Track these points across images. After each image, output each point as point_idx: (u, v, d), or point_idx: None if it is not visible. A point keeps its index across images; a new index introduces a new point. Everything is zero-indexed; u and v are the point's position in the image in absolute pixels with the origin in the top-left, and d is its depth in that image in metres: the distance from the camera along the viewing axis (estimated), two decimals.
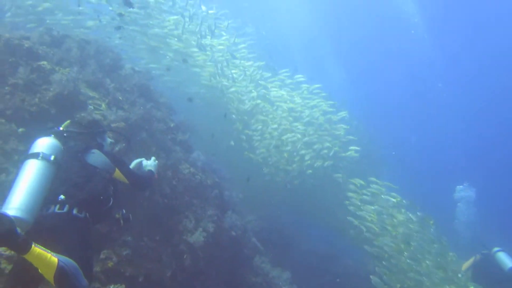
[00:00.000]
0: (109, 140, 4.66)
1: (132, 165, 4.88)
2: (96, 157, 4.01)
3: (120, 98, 8.99)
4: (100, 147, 4.28)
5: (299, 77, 15.80)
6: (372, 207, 12.14)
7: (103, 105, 8.46)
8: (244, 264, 9.84)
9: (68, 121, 4.39)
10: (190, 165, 9.54)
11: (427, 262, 10.57)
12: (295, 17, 40.73)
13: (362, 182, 13.01)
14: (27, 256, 2.89)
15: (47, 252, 2.98)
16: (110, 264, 6.20)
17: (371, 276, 10.42)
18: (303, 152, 14.05)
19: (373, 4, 39.29)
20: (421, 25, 39.49)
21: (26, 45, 7.66)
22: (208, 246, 8.14)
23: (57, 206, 3.53)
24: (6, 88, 7.11)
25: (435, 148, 40.42)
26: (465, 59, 41.41)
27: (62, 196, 3.58)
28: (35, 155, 3.67)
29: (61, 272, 2.96)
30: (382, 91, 42.94)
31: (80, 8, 12.84)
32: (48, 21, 12.07)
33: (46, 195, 3.55)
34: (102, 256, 6.20)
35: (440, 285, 9.98)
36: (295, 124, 14.54)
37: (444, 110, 41.62)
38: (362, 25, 41.53)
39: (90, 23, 12.96)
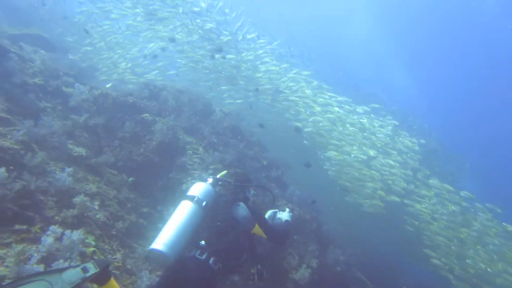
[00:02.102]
0: (252, 191, 4.70)
1: (266, 216, 4.82)
2: (240, 211, 4.10)
3: (215, 140, 9.33)
4: (246, 200, 4.37)
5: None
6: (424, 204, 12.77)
7: (200, 149, 8.83)
8: None
9: (225, 171, 4.56)
10: (287, 200, 9.49)
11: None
12: (360, 34, 40.82)
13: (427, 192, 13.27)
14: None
15: None
16: None
17: (424, 249, 11.66)
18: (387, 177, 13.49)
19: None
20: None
21: (130, 101, 8.35)
22: (314, 283, 7.87)
23: (198, 251, 3.69)
24: (116, 141, 7.75)
25: None
26: None
27: (203, 242, 3.74)
28: (191, 198, 3.88)
29: None
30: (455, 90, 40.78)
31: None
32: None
33: (192, 237, 3.73)
34: None
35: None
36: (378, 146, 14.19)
37: None
38: (429, 26, 40.23)
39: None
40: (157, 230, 6.39)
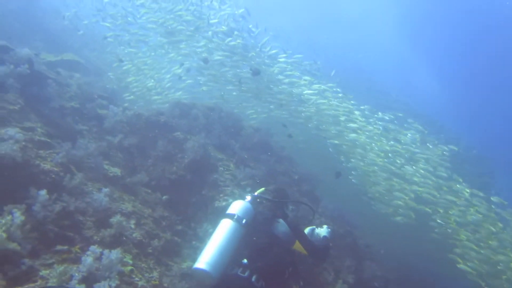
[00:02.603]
0: (291, 207, 4.74)
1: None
2: (280, 227, 4.14)
3: (245, 156, 9.39)
4: (285, 217, 4.42)
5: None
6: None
7: (231, 165, 8.90)
8: None
9: (263, 188, 4.64)
10: (320, 215, 9.39)
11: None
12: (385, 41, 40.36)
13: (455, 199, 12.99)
14: None
15: None
16: None
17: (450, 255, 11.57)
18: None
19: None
20: None
21: (162, 120, 8.54)
22: None
23: (240, 269, 3.71)
24: (149, 161, 7.92)
25: None
26: None
27: (245, 260, 3.77)
28: (231, 216, 3.97)
29: None
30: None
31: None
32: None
33: (233, 255, 3.78)
34: None
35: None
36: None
37: None
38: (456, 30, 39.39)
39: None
40: (192, 248, 6.49)
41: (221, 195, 7.59)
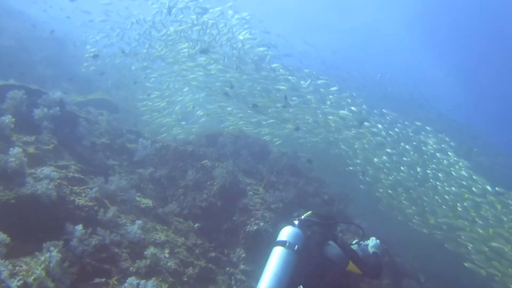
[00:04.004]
0: (339, 228, 4.64)
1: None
2: (332, 250, 4.08)
3: (274, 179, 9.37)
4: (335, 238, 4.31)
5: None
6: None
7: (260, 189, 8.90)
8: None
9: (310, 212, 4.55)
10: (353, 234, 9.21)
11: None
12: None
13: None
14: None
15: None
16: None
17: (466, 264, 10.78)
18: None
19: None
20: None
21: (189, 149, 8.70)
22: None
23: None
24: (180, 190, 8.05)
25: None
26: None
27: (301, 287, 3.72)
28: (283, 243, 3.92)
29: None
30: None
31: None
32: None
33: (290, 282, 3.74)
34: None
35: None
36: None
37: None
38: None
39: None
40: (226, 274, 6.47)
41: (252, 219, 7.57)
